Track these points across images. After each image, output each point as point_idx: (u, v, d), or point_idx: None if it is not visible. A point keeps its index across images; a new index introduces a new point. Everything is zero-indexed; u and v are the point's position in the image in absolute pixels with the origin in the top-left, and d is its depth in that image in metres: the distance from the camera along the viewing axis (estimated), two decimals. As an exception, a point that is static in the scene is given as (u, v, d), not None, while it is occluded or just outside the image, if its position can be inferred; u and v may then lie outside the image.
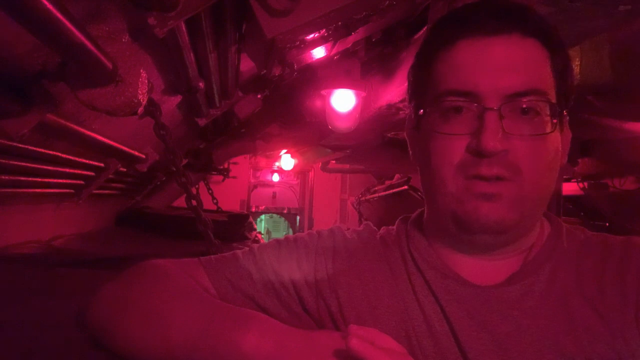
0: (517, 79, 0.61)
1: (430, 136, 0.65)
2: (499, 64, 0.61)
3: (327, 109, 2.27)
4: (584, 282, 0.64)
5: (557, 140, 0.65)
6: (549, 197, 0.65)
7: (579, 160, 2.61)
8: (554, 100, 0.63)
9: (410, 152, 0.76)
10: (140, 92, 0.89)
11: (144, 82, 0.91)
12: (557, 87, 0.64)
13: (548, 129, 0.62)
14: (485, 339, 0.61)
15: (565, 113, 0.66)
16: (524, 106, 0.61)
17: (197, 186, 3.13)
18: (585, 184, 3.03)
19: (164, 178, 2.94)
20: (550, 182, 0.64)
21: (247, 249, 0.78)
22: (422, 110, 0.68)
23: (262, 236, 3.48)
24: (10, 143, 1.03)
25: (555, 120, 0.63)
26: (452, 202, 0.63)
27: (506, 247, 0.67)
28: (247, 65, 1.55)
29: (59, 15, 0.59)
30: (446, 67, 0.64)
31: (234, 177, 5.19)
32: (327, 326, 0.70)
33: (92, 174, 1.73)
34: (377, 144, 3.07)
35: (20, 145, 1.10)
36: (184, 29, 1.00)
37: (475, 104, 0.61)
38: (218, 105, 1.83)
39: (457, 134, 0.62)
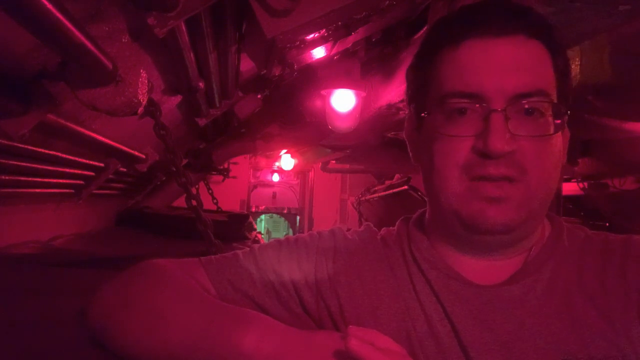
0: (522, 80, 0.61)
1: (434, 138, 0.65)
2: (504, 65, 0.61)
3: (327, 109, 2.28)
4: (585, 280, 0.64)
5: (560, 140, 0.65)
6: (552, 196, 0.65)
7: (579, 160, 2.61)
8: (556, 101, 0.63)
9: (411, 153, 0.76)
10: (140, 92, 0.89)
11: (144, 82, 0.91)
12: (559, 88, 0.64)
13: (552, 130, 0.62)
14: (488, 339, 0.61)
15: (567, 113, 0.66)
16: (529, 107, 0.61)
17: (197, 186, 3.12)
18: (585, 184, 3.03)
19: (164, 178, 2.94)
20: (554, 182, 0.65)
21: (247, 249, 0.78)
22: (424, 113, 0.67)
23: (262, 236, 3.47)
24: (10, 143, 1.03)
25: (558, 121, 0.63)
26: (457, 203, 0.63)
27: (509, 247, 0.67)
28: (247, 65, 1.55)
29: (59, 15, 0.59)
30: (450, 67, 0.64)
31: (234, 177, 5.18)
32: (327, 327, 0.70)
33: (92, 174, 1.73)
34: (377, 144, 3.07)
35: (20, 145, 1.10)
36: (184, 29, 1.00)
37: (481, 105, 0.61)
38: (218, 105, 1.83)
39: (462, 135, 0.62)
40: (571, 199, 3.38)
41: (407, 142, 0.76)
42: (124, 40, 0.85)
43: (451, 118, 0.63)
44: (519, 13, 0.63)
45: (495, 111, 0.60)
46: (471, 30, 0.63)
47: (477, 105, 0.61)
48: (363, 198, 5.78)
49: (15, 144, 1.06)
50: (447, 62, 0.64)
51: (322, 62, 1.90)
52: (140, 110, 0.93)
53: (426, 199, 0.74)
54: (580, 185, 3.05)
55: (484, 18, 0.63)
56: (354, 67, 2.10)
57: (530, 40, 0.62)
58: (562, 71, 0.65)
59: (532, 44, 0.62)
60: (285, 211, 8.33)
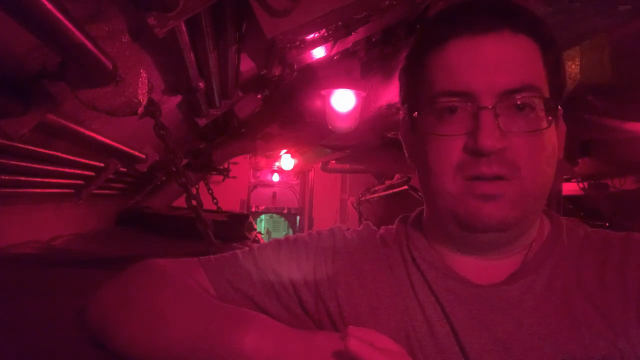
0: (510, 76, 0.61)
1: (427, 138, 0.65)
2: (491, 62, 0.61)
3: (327, 109, 2.28)
4: (585, 279, 0.64)
5: (554, 135, 0.65)
6: (548, 192, 0.65)
7: (579, 160, 2.61)
8: (547, 95, 0.63)
9: (407, 154, 0.76)
10: (140, 92, 0.89)
11: (144, 82, 0.91)
12: (550, 82, 0.64)
13: (544, 125, 0.62)
14: (486, 339, 0.61)
15: (559, 107, 0.66)
16: (519, 103, 0.61)
17: (197, 186, 3.13)
18: (585, 184, 3.02)
19: (164, 178, 2.94)
20: (549, 178, 0.64)
21: (247, 249, 0.78)
22: (416, 113, 0.68)
23: (262, 236, 3.47)
24: (10, 143, 1.03)
25: (550, 117, 0.63)
26: (453, 203, 0.63)
27: (507, 245, 0.67)
28: (247, 65, 1.55)
29: (59, 15, 0.59)
30: (438, 67, 0.64)
31: (234, 177, 5.19)
32: (327, 327, 0.70)
33: (92, 174, 1.73)
34: (377, 144, 3.07)
35: (20, 145, 1.10)
36: (184, 29, 1.00)
37: (470, 104, 0.61)
38: (218, 105, 1.83)
39: (454, 134, 0.62)
40: (571, 199, 3.37)
41: (402, 143, 0.76)
42: (124, 40, 0.85)
43: (442, 117, 0.63)
44: (503, 8, 0.63)
45: (485, 108, 0.60)
46: (457, 28, 0.63)
47: (467, 104, 0.61)
48: (363, 198, 5.78)
49: (15, 144, 1.06)
50: (435, 61, 0.65)
51: (322, 62, 1.90)
52: (140, 110, 0.93)
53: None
54: (580, 185, 3.05)
55: (468, 16, 0.63)
56: (354, 67, 2.10)
57: (517, 36, 0.62)
58: (553, 65, 0.64)
59: (519, 38, 0.62)
60: (285, 211, 8.33)
